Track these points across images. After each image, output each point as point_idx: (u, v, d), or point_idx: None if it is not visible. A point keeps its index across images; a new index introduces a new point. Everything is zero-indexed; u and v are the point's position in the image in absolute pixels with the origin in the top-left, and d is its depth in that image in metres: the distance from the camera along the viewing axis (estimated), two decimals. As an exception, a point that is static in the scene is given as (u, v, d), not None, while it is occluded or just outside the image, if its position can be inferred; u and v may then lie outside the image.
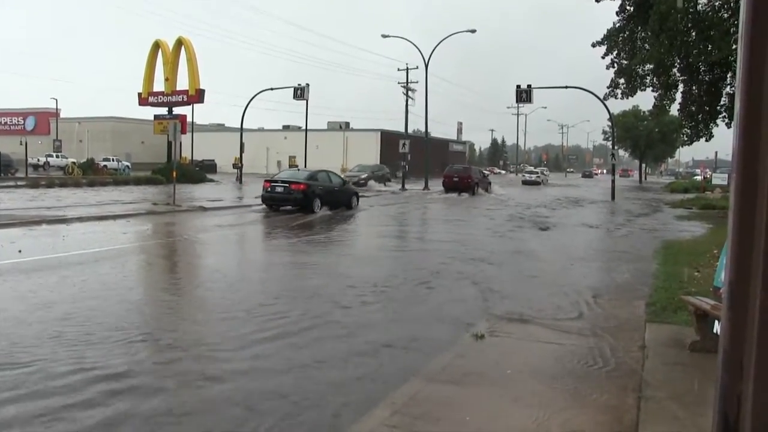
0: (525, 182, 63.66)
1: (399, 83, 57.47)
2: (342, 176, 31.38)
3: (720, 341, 0.93)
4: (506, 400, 5.20)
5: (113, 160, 56.46)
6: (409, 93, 56.32)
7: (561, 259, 13.98)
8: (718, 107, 25.92)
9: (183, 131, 52.17)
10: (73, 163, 48.28)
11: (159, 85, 48.92)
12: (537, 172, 70.27)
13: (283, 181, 24.32)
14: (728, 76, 25.08)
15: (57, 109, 74.87)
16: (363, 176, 49.21)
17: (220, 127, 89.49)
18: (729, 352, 0.88)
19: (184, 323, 7.74)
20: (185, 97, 47.39)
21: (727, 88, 25.68)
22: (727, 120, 26.32)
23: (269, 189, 24.29)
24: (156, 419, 4.81)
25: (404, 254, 15.01)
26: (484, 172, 53.88)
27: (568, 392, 5.42)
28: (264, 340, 6.96)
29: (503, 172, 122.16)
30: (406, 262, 13.48)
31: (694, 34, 22.00)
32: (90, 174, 42.62)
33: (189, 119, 51.01)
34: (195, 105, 50.23)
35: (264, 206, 24.65)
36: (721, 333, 0.93)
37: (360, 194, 29.33)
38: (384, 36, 51.22)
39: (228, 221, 20.73)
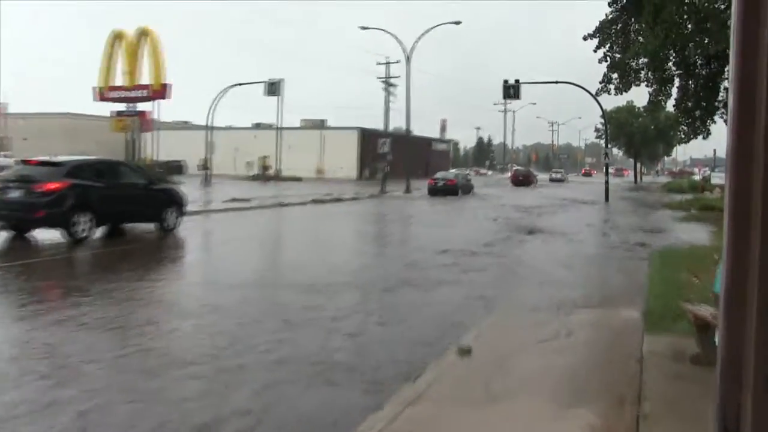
0: (552, 180, 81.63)
1: (379, 78, 57.52)
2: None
3: (718, 350, 0.90)
4: (498, 417, 5.23)
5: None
6: (390, 89, 56.44)
7: (551, 260, 14.09)
8: (716, 102, 26.20)
9: (148, 129, 51.16)
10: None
11: (119, 80, 48.26)
12: (561, 171, 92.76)
13: (441, 179, 42.63)
14: (726, 70, 25.34)
15: (1, 103, 72.52)
16: None
17: (185, 125, 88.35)
18: (727, 361, 0.84)
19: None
20: (148, 92, 46.77)
21: (725, 83, 25.97)
22: (725, 116, 26.63)
23: (434, 184, 41.76)
24: None
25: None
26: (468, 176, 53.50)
27: (562, 405, 5.45)
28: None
29: (489, 172, 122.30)
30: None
31: (690, 25, 22.24)
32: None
33: (153, 116, 50.51)
34: (160, 101, 49.82)
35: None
36: (719, 341, 0.91)
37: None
38: (363, 28, 50.57)
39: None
